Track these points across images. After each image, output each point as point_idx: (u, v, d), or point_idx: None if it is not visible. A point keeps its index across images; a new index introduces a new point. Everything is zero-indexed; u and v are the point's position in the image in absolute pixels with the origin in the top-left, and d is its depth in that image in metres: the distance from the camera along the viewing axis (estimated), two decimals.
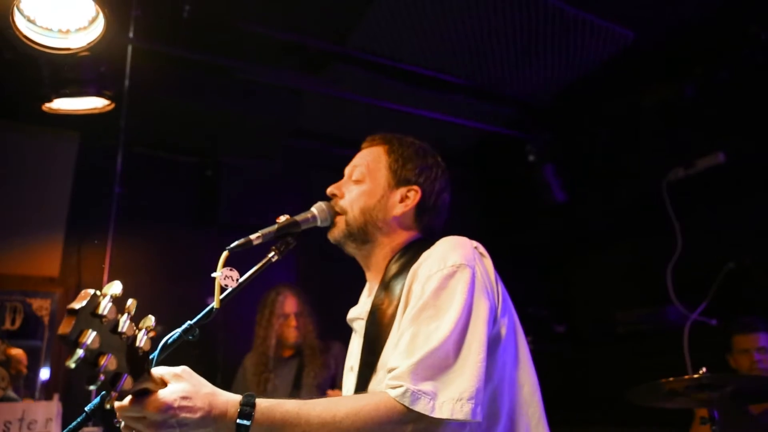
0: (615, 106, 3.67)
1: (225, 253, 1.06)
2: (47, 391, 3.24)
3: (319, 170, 4.31)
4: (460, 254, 1.17)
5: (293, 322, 2.98)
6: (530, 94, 3.67)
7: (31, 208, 3.51)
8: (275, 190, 3.95)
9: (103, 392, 0.90)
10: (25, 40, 1.98)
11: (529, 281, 4.14)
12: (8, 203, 3.42)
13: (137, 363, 0.81)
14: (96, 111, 2.69)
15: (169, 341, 0.97)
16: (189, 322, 0.99)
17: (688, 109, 3.33)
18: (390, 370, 1.06)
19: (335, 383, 2.90)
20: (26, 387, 3.15)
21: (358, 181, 1.35)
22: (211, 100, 3.36)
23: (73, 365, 0.69)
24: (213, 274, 1.03)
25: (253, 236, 1.11)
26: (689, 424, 2.87)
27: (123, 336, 0.78)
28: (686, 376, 1.95)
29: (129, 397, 0.85)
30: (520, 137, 3.92)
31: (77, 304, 0.72)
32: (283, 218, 1.18)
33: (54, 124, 3.47)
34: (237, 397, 0.94)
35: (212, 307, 1.05)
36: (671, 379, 1.95)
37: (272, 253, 1.14)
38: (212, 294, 1.03)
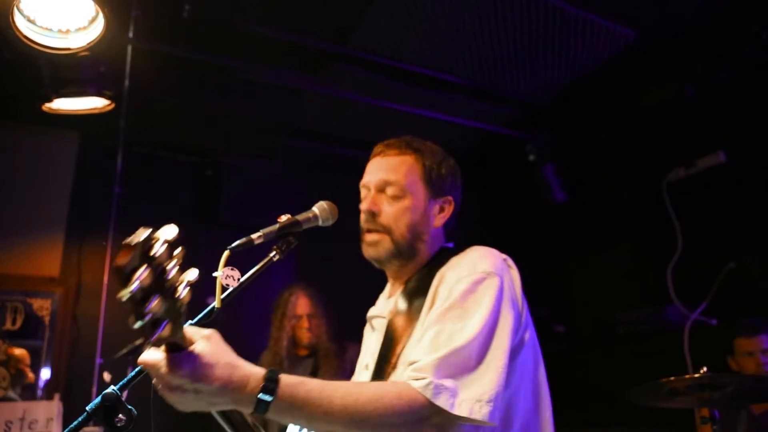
0: (615, 106, 3.66)
1: (226, 253, 1.06)
2: (48, 390, 3.24)
3: (319, 170, 4.32)
4: (490, 263, 1.19)
5: (305, 324, 2.98)
6: (530, 94, 3.67)
7: (32, 208, 3.51)
8: (275, 189, 3.95)
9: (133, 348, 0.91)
10: (24, 40, 1.98)
11: (529, 281, 4.13)
12: (8, 203, 3.43)
13: (176, 313, 0.79)
14: (96, 111, 2.69)
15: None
16: (190, 321, 0.99)
17: (688, 109, 3.32)
18: (411, 363, 1.07)
19: None
20: (27, 387, 3.15)
21: (397, 197, 1.31)
22: (211, 99, 3.36)
23: (125, 298, 0.69)
24: (214, 274, 1.03)
25: (254, 235, 1.10)
26: (690, 424, 2.87)
27: (168, 283, 0.77)
28: (687, 376, 1.95)
29: (158, 351, 0.83)
30: (520, 137, 3.92)
31: (134, 240, 0.72)
32: (284, 217, 1.18)
33: (54, 124, 3.48)
34: (260, 371, 0.92)
35: (213, 307, 1.04)
36: (672, 378, 1.95)
37: (273, 253, 1.13)
38: (213, 293, 1.03)
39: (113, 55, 2.61)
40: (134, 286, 0.69)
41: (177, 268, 0.78)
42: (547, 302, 4.18)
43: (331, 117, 3.85)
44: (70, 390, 3.29)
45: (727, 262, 3.22)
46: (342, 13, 2.90)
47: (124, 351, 2.82)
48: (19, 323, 3.29)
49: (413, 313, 1.22)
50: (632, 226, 3.80)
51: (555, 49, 3.17)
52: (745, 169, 3.25)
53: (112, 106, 2.71)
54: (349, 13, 2.89)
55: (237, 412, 1.07)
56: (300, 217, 1.21)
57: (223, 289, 1.04)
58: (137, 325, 0.72)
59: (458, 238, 1.43)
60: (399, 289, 1.33)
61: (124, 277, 0.70)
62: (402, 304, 1.27)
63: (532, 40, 3.08)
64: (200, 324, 1.00)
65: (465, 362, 1.05)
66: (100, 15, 2.01)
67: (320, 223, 1.27)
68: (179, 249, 0.80)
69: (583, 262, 4.16)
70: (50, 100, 2.57)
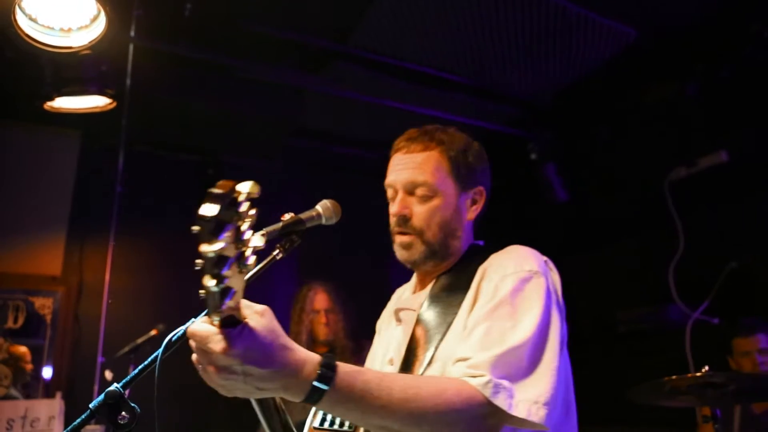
0: (617, 105, 3.66)
1: None
2: (50, 389, 3.25)
3: (320, 169, 4.32)
4: (535, 262, 1.16)
5: (323, 319, 3.01)
6: (532, 93, 3.66)
7: (33, 206, 3.52)
8: (277, 188, 3.95)
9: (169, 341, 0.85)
10: (26, 38, 1.98)
11: None
12: (10, 202, 3.43)
13: (239, 282, 0.70)
14: (97, 110, 2.69)
15: (173, 339, 0.97)
16: (193, 319, 0.98)
17: (690, 108, 3.32)
18: (461, 360, 1.03)
19: None
20: (29, 385, 3.15)
21: (427, 197, 1.25)
22: (212, 98, 3.36)
23: (212, 254, 0.59)
24: None
25: (257, 234, 1.09)
26: (691, 423, 2.87)
27: (239, 245, 0.66)
28: (689, 375, 1.95)
29: (209, 324, 0.73)
30: (521, 136, 3.91)
31: (220, 190, 0.62)
32: (287, 216, 1.17)
33: (56, 123, 3.48)
34: (315, 357, 0.84)
35: None
36: (674, 377, 1.95)
37: (276, 251, 1.13)
38: None
39: (115, 53, 2.61)
40: (222, 243, 0.60)
41: (251, 230, 0.69)
42: None
43: (332, 116, 3.85)
44: (72, 388, 3.29)
45: (729, 261, 3.21)
46: (343, 11, 2.89)
47: (126, 349, 2.83)
48: (20, 322, 3.30)
49: (449, 308, 1.18)
50: (634, 225, 3.79)
51: (556, 48, 3.17)
52: (747, 168, 3.24)
53: (114, 104, 2.71)
54: (351, 12, 2.89)
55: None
56: (303, 215, 1.21)
57: None
58: (214, 288, 0.62)
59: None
60: (430, 284, 1.29)
61: (208, 230, 0.59)
62: (435, 299, 1.23)
63: (533, 38, 3.08)
64: None
65: (520, 362, 1.01)
66: (102, 13, 2.01)
67: (323, 221, 1.26)
68: (254, 209, 0.71)
69: (585, 260, 4.15)
70: (52, 99, 2.57)
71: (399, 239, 1.29)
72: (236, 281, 0.68)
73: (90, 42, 2.08)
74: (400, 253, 1.29)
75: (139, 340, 2.81)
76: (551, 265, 1.23)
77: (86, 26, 2.08)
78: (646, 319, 3.57)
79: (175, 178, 3.88)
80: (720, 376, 1.89)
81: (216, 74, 3.29)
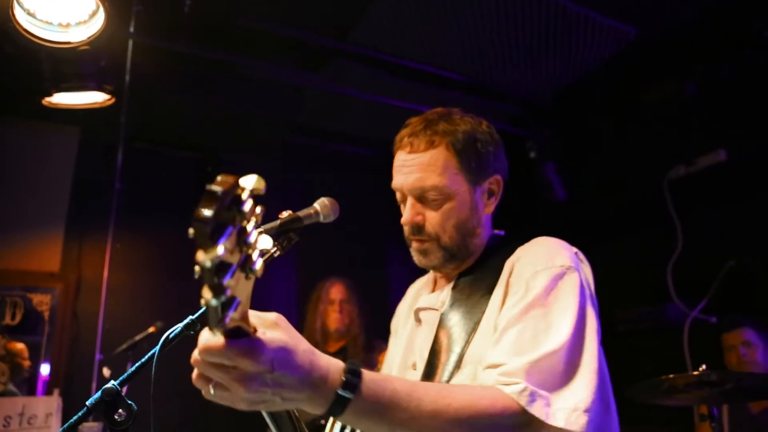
0: (616, 104, 3.66)
1: None
2: (48, 386, 3.25)
3: (319, 167, 4.31)
4: (567, 256, 1.09)
5: (337, 308, 3.06)
6: (532, 92, 3.66)
7: (32, 203, 3.51)
8: (276, 186, 3.94)
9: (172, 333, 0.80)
10: (25, 33, 1.97)
11: None
12: (8, 198, 3.42)
13: (245, 289, 0.62)
14: (96, 106, 2.69)
15: (171, 336, 0.97)
16: (191, 317, 0.98)
17: (689, 107, 3.32)
18: (493, 366, 0.97)
19: None
20: (27, 382, 3.15)
21: (439, 201, 1.16)
22: (212, 96, 3.36)
23: (209, 264, 0.51)
24: None
25: (264, 235, 1.08)
26: (689, 422, 2.88)
27: (244, 249, 0.59)
28: (686, 374, 1.95)
29: (220, 337, 0.64)
30: (521, 134, 3.91)
31: (219, 187, 0.53)
32: (285, 213, 1.17)
33: (54, 119, 3.47)
34: (339, 363, 0.78)
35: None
36: (672, 376, 1.96)
37: (274, 249, 1.13)
38: None
39: (114, 49, 2.61)
40: (220, 250, 0.51)
41: (256, 231, 0.61)
42: None
43: (332, 113, 3.84)
44: (70, 385, 3.29)
45: (727, 260, 3.22)
46: (343, 9, 2.89)
47: (124, 347, 2.83)
48: (18, 318, 3.29)
49: (476, 307, 1.11)
50: (633, 224, 3.80)
51: (556, 47, 3.17)
52: (746, 168, 3.24)
53: (113, 101, 2.71)
54: (351, 10, 2.88)
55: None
56: (301, 213, 1.20)
57: None
58: (214, 302, 0.54)
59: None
60: (451, 282, 1.22)
61: (205, 235, 0.51)
62: (459, 298, 1.16)
63: (533, 37, 3.07)
64: (201, 319, 1.00)
65: (557, 367, 0.95)
66: (101, 9, 2.01)
67: (321, 219, 1.26)
68: (260, 207, 0.63)
69: None
70: (50, 95, 2.56)
71: (415, 245, 1.21)
72: (241, 289, 0.60)
73: (89, 38, 2.07)
74: (417, 259, 1.23)
75: (137, 338, 2.81)
76: (582, 256, 1.16)
77: (85, 22, 2.07)
78: (644, 318, 3.57)
79: (174, 175, 3.87)
80: (717, 375, 1.89)
81: (215, 71, 3.29)
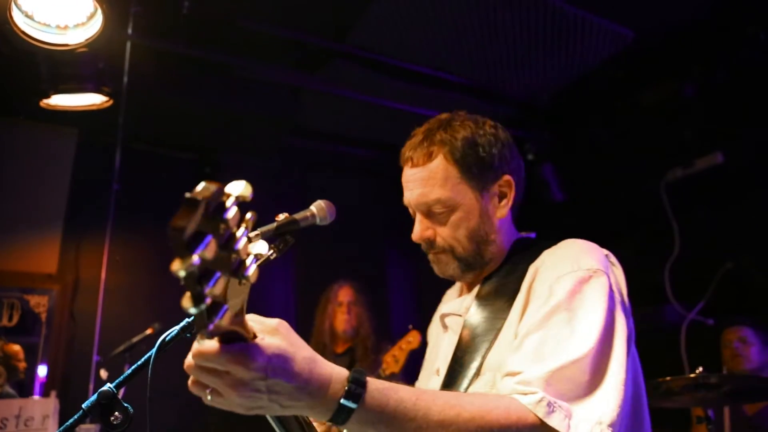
0: (614, 106, 3.67)
1: None
2: (44, 387, 3.24)
3: (317, 168, 4.31)
4: (595, 258, 1.04)
5: (345, 309, 3.09)
6: (529, 93, 3.67)
7: (29, 204, 3.50)
8: (274, 187, 3.96)
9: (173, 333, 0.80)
10: (22, 35, 1.97)
11: None
12: (6, 199, 3.42)
13: (238, 295, 0.63)
14: (94, 107, 2.68)
15: (167, 338, 0.97)
16: (187, 319, 0.98)
17: (686, 109, 3.33)
18: (511, 374, 0.93)
19: None
20: (23, 383, 3.15)
21: (446, 213, 1.14)
22: (210, 97, 3.36)
23: (183, 273, 0.51)
24: None
25: (251, 234, 1.09)
26: (685, 424, 2.88)
27: (234, 256, 0.59)
28: (683, 376, 1.96)
29: (215, 341, 0.65)
30: (519, 136, 3.92)
31: (199, 196, 0.53)
32: (282, 216, 1.17)
33: (52, 121, 3.47)
34: (343, 371, 0.76)
35: None
36: (668, 378, 1.96)
37: (270, 251, 1.13)
38: None
39: (112, 51, 2.61)
40: (195, 259, 0.51)
41: (245, 237, 0.61)
42: None
43: (329, 115, 3.85)
44: (67, 387, 3.29)
45: (725, 262, 3.23)
46: (341, 10, 2.89)
47: (121, 348, 2.82)
48: (15, 320, 3.29)
49: (498, 313, 1.08)
50: (630, 225, 3.81)
51: (554, 49, 3.17)
52: (743, 170, 3.26)
53: (111, 102, 2.70)
54: (349, 11, 2.88)
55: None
56: (298, 215, 1.20)
57: None
58: (192, 309, 0.54)
59: None
60: (475, 287, 1.20)
61: (181, 244, 0.51)
62: (482, 303, 1.13)
63: (531, 39, 3.08)
64: (192, 324, 1.00)
65: (580, 377, 0.89)
66: (99, 11, 2.01)
67: (318, 221, 1.26)
68: (251, 214, 0.63)
69: None
70: (48, 96, 2.56)
71: (431, 258, 1.21)
72: (233, 295, 0.61)
73: (87, 39, 2.07)
74: (436, 271, 1.21)
75: (135, 339, 2.81)
76: (613, 259, 1.11)
77: (83, 24, 2.07)
78: (641, 319, 3.55)
79: (171, 176, 3.87)
80: (714, 377, 1.90)
81: (214, 73, 3.29)
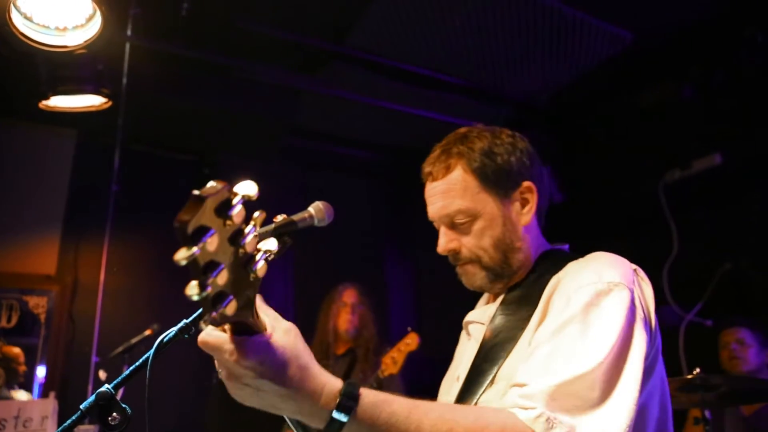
0: (612, 107, 3.68)
1: None
2: (44, 388, 3.24)
3: (316, 169, 4.32)
4: (619, 272, 1.01)
5: (348, 310, 3.11)
6: (528, 95, 3.68)
7: (28, 205, 3.51)
8: (273, 188, 3.95)
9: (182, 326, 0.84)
10: (21, 37, 1.98)
11: None
12: (5, 200, 3.42)
13: (246, 288, 0.67)
14: (93, 109, 2.69)
15: (165, 339, 0.97)
16: (185, 320, 0.98)
17: (685, 111, 3.34)
18: (517, 386, 0.91)
19: (382, 387, 2.91)
20: (23, 385, 3.14)
21: (468, 224, 1.14)
22: (209, 98, 3.36)
23: (183, 262, 0.56)
24: None
25: (270, 239, 1.08)
26: (682, 425, 2.88)
27: (241, 250, 0.64)
28: (681, 377, 1.96)
29: (227, 330, 0.70)
30: None
31: (206, 193, 0.58)
32: (280, 217, 1.17)
33: (51, 122, 3.47)
34: (336, 382, 0.77)
35: None
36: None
37: (269, 253, 1.13)
38: None
39: (111, 53, 2.61)
40: (195, 250, 0.56)
41: (254, 234, 0.65)
42: None
43: (328, 116, 3.85)
44: (66, 388, 3.29)
45: (723, 263, 3.24)
46: (340, 12, 2.90)
47: (120, 349, 2.82)
48: (14, 321, 3.29)
49: (518, 322, 1.08)
50: (628, 226, 3.81)
51: (553, 50, 3.18)
52: (741, 171, 3.26)
53: (110, 104, 2.71)
54: (348, 12, 2.89)
55: None
56: (296, 217, 1.20)
57: None
58: (195, 296, 0.59)
59: None
60: (501, 296, 1.20)
61: (185, 236, 0.57)
62: (504, 313, 1.13)
63: (530, 40, 3.09)
64: (196, 322, 1.00)
65: (587, 393, 0.87)
66: (98, 13, 2.01)
67: (316, 223, 1.26)
68: (259, 212, 0.68)
69: None
70: (47, 98, 2.56)
71: (459, 270, 1.21)
72: (239, 286, 0.65)
73: (85, 41, 2.08)
74: (465, 283, 1.21)
75: (134, 340, 2.81)
76: (641, 273, 1.07)
77: (82, 25, 2.07)
78: None
79: (171, 177, 3.87)
80: (711, 378, 1.90)
81: (213, 74, 3.29)
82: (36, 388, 3.25)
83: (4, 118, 3.48)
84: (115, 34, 2.14)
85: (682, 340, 3.26)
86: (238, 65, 3.24)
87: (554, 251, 1.22)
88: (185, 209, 0.58)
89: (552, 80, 3.50)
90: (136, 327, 2.92)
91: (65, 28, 2.05)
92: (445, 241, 1.17)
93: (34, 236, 3.52)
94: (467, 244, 1.16)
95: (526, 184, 1.18)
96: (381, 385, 2.82)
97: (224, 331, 0.71)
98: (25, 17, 1.98)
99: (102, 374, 2.77)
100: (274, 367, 0.71)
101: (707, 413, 1.95)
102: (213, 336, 0.71)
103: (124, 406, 0.86)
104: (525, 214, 1.18)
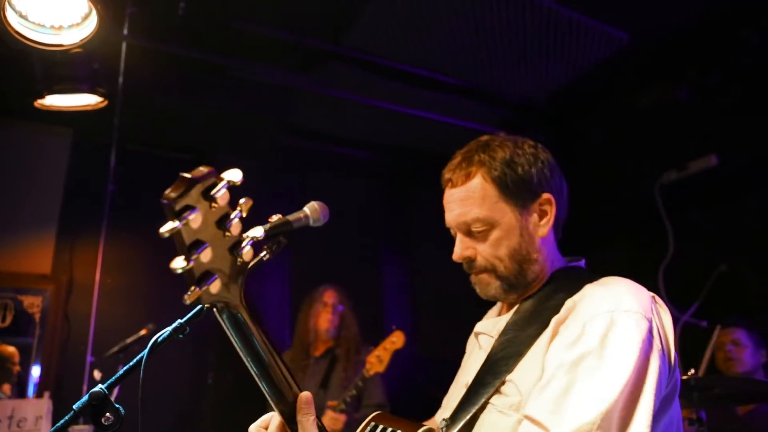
0: (609, 108, 3.68)
1: None
2: (38, 388, 3.23)
3: (313, 169, 4.31)
4: (638, 301, 1.00)
5: (329, 310, 3.11)
6: (525, 95, 3.68)
7: (24, 204, 3.49)
8: (270, 188, 3.95)
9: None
10: (17, 36, 1.97)
11: None
12: (0, 199, 3.41)
13: (232, 271, 0.70)
14: (89, 108, 2.67)
15: (160, 339, 0.97)
16: (179, 320, 0.98)
17: (681, 112, 3.35)
18: (531, 420, 0.92)
19: (366, 385, 2.90)
20: (17, 384, 3.13)
21: (485, 232, 1.14)
22: (205, 97, 3.36)
23: (167, 235, 0.61)
24: None
25: (258, 227, 1.08)
26: None
27: (227, 233, 0.68)
28: None
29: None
30: None
31: (190, 174, 0.63)
32: (275, 217, 1.17)
33: (47, 121, 3.46)
34: None
35: (203, 306, 1.04)
36: None
37: (264, 252, 1.13)
38: None
39: (107, 52, 2.60)
40: (177, 223, 0.61)
41: (239, 219, 0.69)
42: None
43: (326, 116, 3.85)
44: (61, 388, 3.27)
45: (719, 264, 3.24)
46: (337, 12, 2.90)
47: (115, 349, 2.82)
48: (9, 320, 3.27)
49: (526, 338, 1.08)
50: (624, 227, 3.82)
51: (550, 51, 3.19)
52: (737, 172, 3.27)
53: (106, 103, 2.70)
54: (345, 13, 2.89)
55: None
56: (291, 217, 1.20)
57: None
58: (179, 269, 0.63)
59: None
60: (512, 309, 1.19)
61: (171, 211, 0.61)
62: (513, 327, 1.13)
63: (527, 41, 3.09)
64: (190, 322, 1.00)
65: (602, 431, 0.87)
66: (94, 12, 2.00)
67: (311, 223, 1.26)
68: (245, 199, 0.72)
69: None
70: (43, 97, 2.54)
71: (473, 279, 1.21)
72: (222, 268, 0.68)
73: (81, 40, 2.07)
74: (478, 292, 1.21)
75: (129, 340, 2.80)
76: (660, 301, 1.07)
77: (78, 24, 2.06)
78: None
79: (167, 177, 3.79)
80: (705, 379, 1.91)
81: (210, 73, 3.29)
82: (31, 388, 3.23)
83: (0, 117, 3.46)
84: (111, 32, 2.13)
85: (677, 340, 3.27)
86: (235, 65, 3.23)
87: (571, 268, 1.22)
88: (173, 187, 0.63)
89: (549, 81, 3.50)
90: (131, 327, 2.91)
91: (61, 27, 2.04)
92: (461, 249, 1.17)
93: (30, 235, 3.50)
94: (483, 252, 1.15)
95: (546, 196, 1.18)
96: (366, 383, 2.82)
97: None
98: (21, 15, 1.97)
99: (97, 374, 2.76)
100: None
101: (702, 414, 1.95)
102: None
103: (117, 406, 0.86)
104: (543, 226, 1.18)
